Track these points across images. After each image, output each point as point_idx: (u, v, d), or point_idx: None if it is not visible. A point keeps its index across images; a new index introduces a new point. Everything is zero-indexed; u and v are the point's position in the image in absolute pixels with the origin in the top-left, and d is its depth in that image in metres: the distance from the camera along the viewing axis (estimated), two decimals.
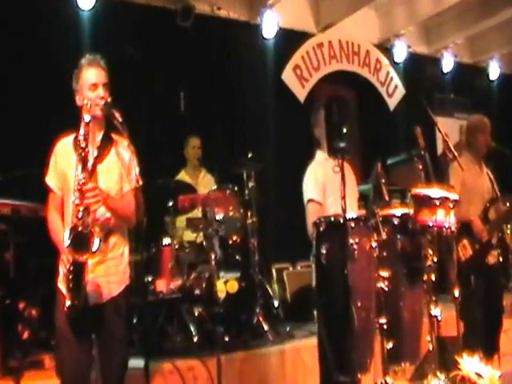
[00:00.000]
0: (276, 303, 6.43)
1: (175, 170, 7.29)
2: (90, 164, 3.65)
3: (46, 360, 4.98)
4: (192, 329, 5.57)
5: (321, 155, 4.97)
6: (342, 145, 4.43)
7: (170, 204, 6.11)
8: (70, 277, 3.51)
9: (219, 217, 5.79)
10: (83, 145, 3.60)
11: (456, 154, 5.45)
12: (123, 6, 7.63)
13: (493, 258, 5.91)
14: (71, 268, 3.50)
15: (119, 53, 6.82)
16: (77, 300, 3.52)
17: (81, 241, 3.44)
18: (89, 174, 3.59)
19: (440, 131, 5.46)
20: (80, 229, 3.46)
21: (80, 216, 3.48)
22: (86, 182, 3.53)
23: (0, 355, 4.78)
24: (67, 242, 3.45)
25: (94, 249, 3.44)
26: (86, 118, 3.65)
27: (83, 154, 3.59)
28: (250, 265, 6.32)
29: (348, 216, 4.33)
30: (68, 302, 3.52)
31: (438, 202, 4.71)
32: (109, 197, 3.65)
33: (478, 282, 5.72)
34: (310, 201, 4.82)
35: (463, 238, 5.77)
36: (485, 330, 5.74)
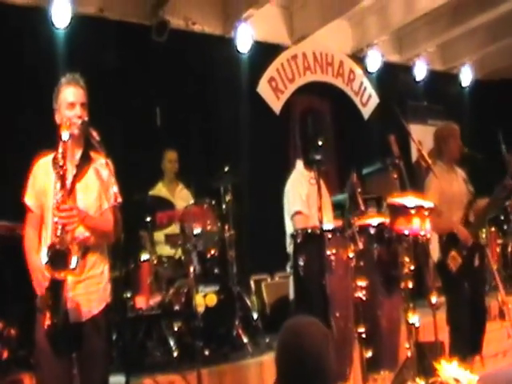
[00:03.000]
0: (255, 315, 6.44)
1: (152, 185, 7.28)
2: (68, 182, 3.68)
3: (26, 379, 4.95)
4: (171, 343, 5.58)
5: (300, 165, 5.02)
6: (318, 157, 4.48)
7: (148, 219, 6.12)
8: (49, 295, 3.51)
9: (197, 231, 5.81)
10: (61, 163, 3.62)
11: (430, 162, 5.51)
12: (98, 23, 7.64)
13: (477, 260, 5.97)
14: (49, 286, 3.51)
15: (95, 68, 6.80)
16: (56, 318, 3.52)
17: (58, 258, 3.45)
18: (67, 192, 3.61)
19: (414, 141, 5.52)
20: (57, 246, 3.47)
21: (58, 234, 3.50)
22: (63, 200, 3.55)
23: None
24: (45, 260, 3.46)
25: (71, 266, 3.45)
26: (64, 136, 3.68)
27: (61, 173, 3.61)
28: (228, 278, 6.34)
29: (325, 227, 4.38)
30: (47, 321, 3.52)
31: (413, 211, 4.77)
32: (87, 216, 3.67)
33: (468, 286, 5.81)
34: (297, 213, 4.86)
35: (451, 249, 5.83)
36: (470, 332, 5.81)
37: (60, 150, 3.65)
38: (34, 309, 3.72)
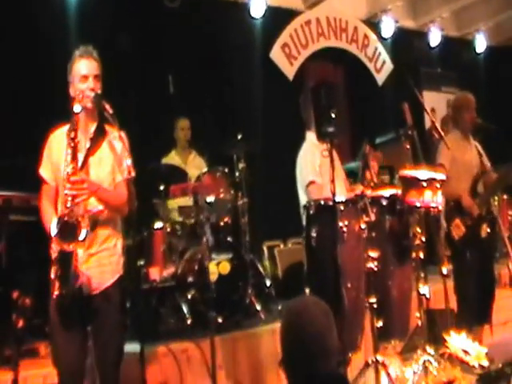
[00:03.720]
0: (268, 282, 6.48)
1: (165, 152, 7.29)
2: (81, 155, 3.69)
3: (42, 347, 5.01)
4: (185, 311, 5.62)
5: (312, 136, 5.01)
6: (331, 129, 4.47)
7: (161, 188, 6.14)
8: (58, 266, 3.56)
9: (210, 199, 5.83)
10: (72, 135, 3.64)
11: (442, 133, 5.52)
12: None
13: (484, 230, 5.98)
14: (58, 257, 3.55)
15: (107, 36, 6.78)
16: (65, 289, 3.56)
17: (67, 230, 3.48)
18: (77, 164, 3.63)
19: (427, 113, 5.52)
20: (66, 218, 3.50)
21: (68, 205, 3.53)
22: (74, 172, 3.57)
23: None
24: (54, 231, 3.49)
25: (80, 238, 3.48)
26: (76, 108, 3.69)
27: (72, 145, 3.63)
28: (241, 245, 6.36)
29: (337, 199, 4.40)
30: (56, 291, 3.57)
31: (425, 184, 4.78)
32: (100, 188, 3.69)
33: (472, 256, 5.83)
34: (311, 183, 4.89)
35: (455, 217, 5.85)
36: (478, 302, 5.85)
37: (72, 122, 3.67)
38: (49, 279, 3.76)
